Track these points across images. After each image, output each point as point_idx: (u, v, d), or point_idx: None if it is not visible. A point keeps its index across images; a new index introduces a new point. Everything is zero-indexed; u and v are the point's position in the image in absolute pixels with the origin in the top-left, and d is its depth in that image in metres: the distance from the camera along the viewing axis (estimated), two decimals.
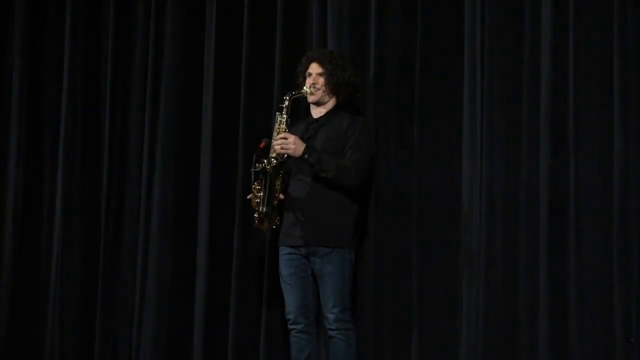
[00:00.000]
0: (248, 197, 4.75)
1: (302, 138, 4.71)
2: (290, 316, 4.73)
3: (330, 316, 4.65)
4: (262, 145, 4.68)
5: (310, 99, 4.79)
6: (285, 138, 4.63)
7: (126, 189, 5.61)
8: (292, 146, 4.62)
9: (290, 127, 4.71)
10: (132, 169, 5.60)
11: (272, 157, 4.64)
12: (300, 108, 4.96)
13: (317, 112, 4.85)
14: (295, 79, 4.87)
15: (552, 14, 4.74)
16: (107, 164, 5.61)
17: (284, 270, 4.74)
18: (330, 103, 4.82)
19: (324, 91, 4.78)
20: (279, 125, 4.68)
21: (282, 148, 4.62)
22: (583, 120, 4.69)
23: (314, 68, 4.79)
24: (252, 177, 4.64)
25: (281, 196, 4.72)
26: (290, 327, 4.75)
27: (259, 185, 4.64)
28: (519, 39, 4.83)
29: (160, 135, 5.49)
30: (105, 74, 5.67)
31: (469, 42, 4.87)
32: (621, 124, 4.59)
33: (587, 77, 4.70)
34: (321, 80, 4.77)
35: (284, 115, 4.68)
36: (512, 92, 4.83)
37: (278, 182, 4.68)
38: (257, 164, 4.62)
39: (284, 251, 4.75)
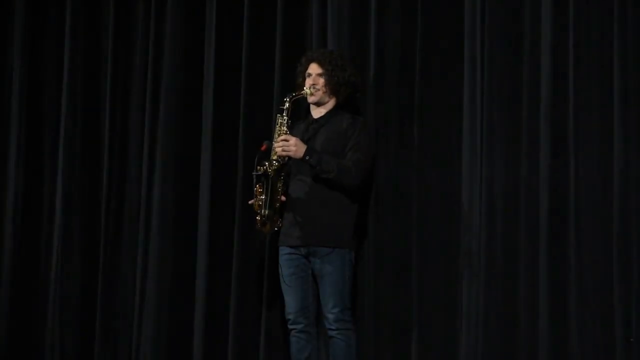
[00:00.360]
0: (250, 202, 4.75)
1: (302, 138, 4.71)
2: (290, 316, 4.73)
3: (330, 316, 4.65)
4: (263, 148, 4.69)
5: (311, 99, 4.80)
6: (286, 140, 4.63)
7: (126, 189, 5.61)
8: (293, 148, 4.62)
9: (291, 128, 4.71)
10: (132, 169, 5.60)
11: (274, 160, 4.64)
12: (300, 108, 4.96)
13: (317, 113, 4.85)
14: (295, 79, 4.87)
15: (552, 14, 4.74)
16: (107, 164, 5.61)
17: (284, 270, 4.74)
18: (330, 103, 4.82)
19: (324, 92, 4.78)
20: (280, 127, 4.68)
21: (283, 150, 4.63)
22: (583, 120, 4.69)
23: (314, 68, 4.79)
24: (254, 180, 4.64)
25: (283, 198, 4.72)
26: (290, 327, 4.75)
27: (260, 188, 4.64)
28: (519, 39, 4.83)
29: (160, 135, 5.49)
30: (105, 74, 5.67)
31: (469, 42, 4.87)
32: (621, 124, 4.59)
33: (587, 77, 4.70)
34: (321, 80, 4.77)
35: (285, 117, 4.68)
36: (512, 92, 4.83)
37: (280, 185, 4.69)
38: (258, 167, 4.63)
39: (284, 251, 4.75)
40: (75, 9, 5.74)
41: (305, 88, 4.77)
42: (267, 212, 4.64)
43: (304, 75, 4.81)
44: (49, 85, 5.81)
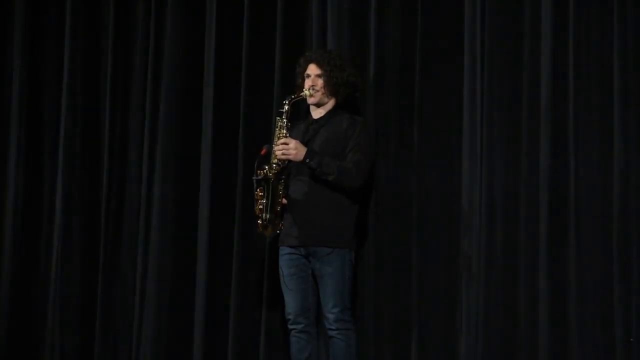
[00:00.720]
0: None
1: (302, 139, 4.72)
2: (290, 316, 4.73)
3: (330, 316, 4.65)
4: (263, 152, 4.69)
5: (310, 100, 4.79)
6: (286, 143, 4.63)
7: (126, 189, 5.61)
8: (293, 151, 4.62)
9: (291, 128, 4.71)
10: (132, 169, 5.60)
11: (274, 163, 4.64)
12: (300, 109, 4.95)
13: (317, 113, 4.84)
14: (294, 80, 4.87)
15: (552, 14, 4.74)
16: (107, 164, 5.61)
17: (284, 270, 4.74)
18: (330, 104, 4.82)
19: (323, 92, 4.78)
20: (279, 130, 4.68)
21: (283, 154, 4.62)
22: (583, 120, 4.69)
23: (312, 69, 4.78)
24: (255, 184, 4.64)
25: (284, 201, 4.72)
26: (290, 327, 4.75)
27: (261, 192, 4.64)
28: (519, 39, 4.83)
29: (160, 135, 5.49)
30: (105, 74, 5.67)
31: (469, 42, 4.87)
32: (621, 124, 4.59)
33: (587, 77, 4.70)
34: (320, 81, 4.76)
35: (284, 120, 4.68)
36: (512, 92, 4.83)
37: (280, 188, 4.69)
38: (258, 171, 4.62)
39: (284, 251, 4.75)
40: (75, 9, 5.74)
41: (304, 90, 4.77)
42: (268, 216, 4.64)
43: (303, 77, 4.81)
44: (49, 85, 5.81)
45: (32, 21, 5.82)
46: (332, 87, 4.75)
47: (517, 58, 4.82)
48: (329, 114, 4.82)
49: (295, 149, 4.62)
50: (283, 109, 4.68)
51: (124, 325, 5.52)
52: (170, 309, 5.41)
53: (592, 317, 4.62)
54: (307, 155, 4.62)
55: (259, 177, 4.62)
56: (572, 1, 4.73)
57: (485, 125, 4.83)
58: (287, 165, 4.70)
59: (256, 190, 4.65)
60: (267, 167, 4.63)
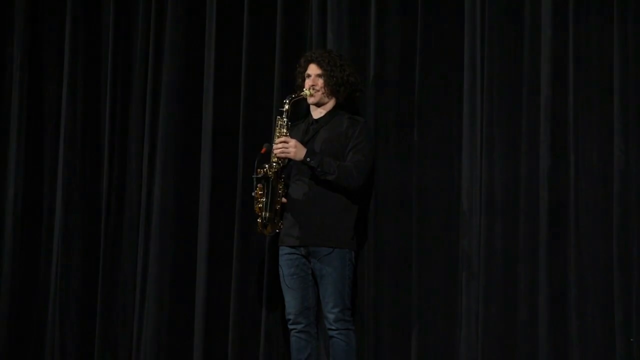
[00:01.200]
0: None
1: (302, 139, 4.72)
2: (291, 316, 4.73)
3: (331, 316, 4.65)
4: (263, 150, 4.69)
5: (310, 100, 4.80)
6: (285, 142, 4.63)
7: (126, 189, 5.60)
8: (292, 149, 4.62)
9: (291, 128, 4.71)
10: (132, 169, 5.59)
11: (274, 162, 4.64)
12: (301, 108, 4.96)
13: (317, 113, 4.85)
14: (294, 80, 4.87)
15: (552, 14, 4.74)
16: (107, 164, 5.60)
17: (284, 270, 4.74)
18: (330, 103, 4.82)
19: (323, 92, 4.78)
20: (280, 129, 4.68)
21: (282, 152, 4.62)
22: (583, 120, 4.69)
23: (313, 69, 4.78)
24: (254, 183, 4.64)
25: (284, 200, 4.72)
26: (290, 327, 4.75)
27: (261, 191, 4.64)
28: (519, 39, 4.83)
29: (161, 135, 5.49)
30: (105, 73, 5.67)
31: (469, 42, 4.87)
32: (621, 124, 4.59)
33: (587, 77, 4.70)
34: (320, 81, 4.76)
35: (284, 119, 4.68)
36: (512, 92, 4.83)
37: (280, 187, 4.69)
38: (258, 170, 4.62)
39: (284, 251, 4.75)
40: (75, 9, 5.74)
41: (304, 89, 4.77)
42: (267, 215, 4.64)
43: (303, 76, 4.81)
44: (49, 86, 5.80)
45: (32, 21, 5.82)
46: (332, 87, 4.76)
47: (517, 58, 4.82)
48: (329, 113, 4.82)
49: (295, 147, 4.62)
50: (283, 108, 4.69)
51: (124, 325, 5.52)
52: (170, 309, 5.41)
53: (592, 317, 4.62)
54: (307, 155, 4.63)
55: (259, 176, 4.62)
56: (572, 1, 4.73)
57: (485, 125, 4.83)
58: (288, 164, 4.71)
59: (256, 189, 4.65)
60: (267, 165, 4.64)
